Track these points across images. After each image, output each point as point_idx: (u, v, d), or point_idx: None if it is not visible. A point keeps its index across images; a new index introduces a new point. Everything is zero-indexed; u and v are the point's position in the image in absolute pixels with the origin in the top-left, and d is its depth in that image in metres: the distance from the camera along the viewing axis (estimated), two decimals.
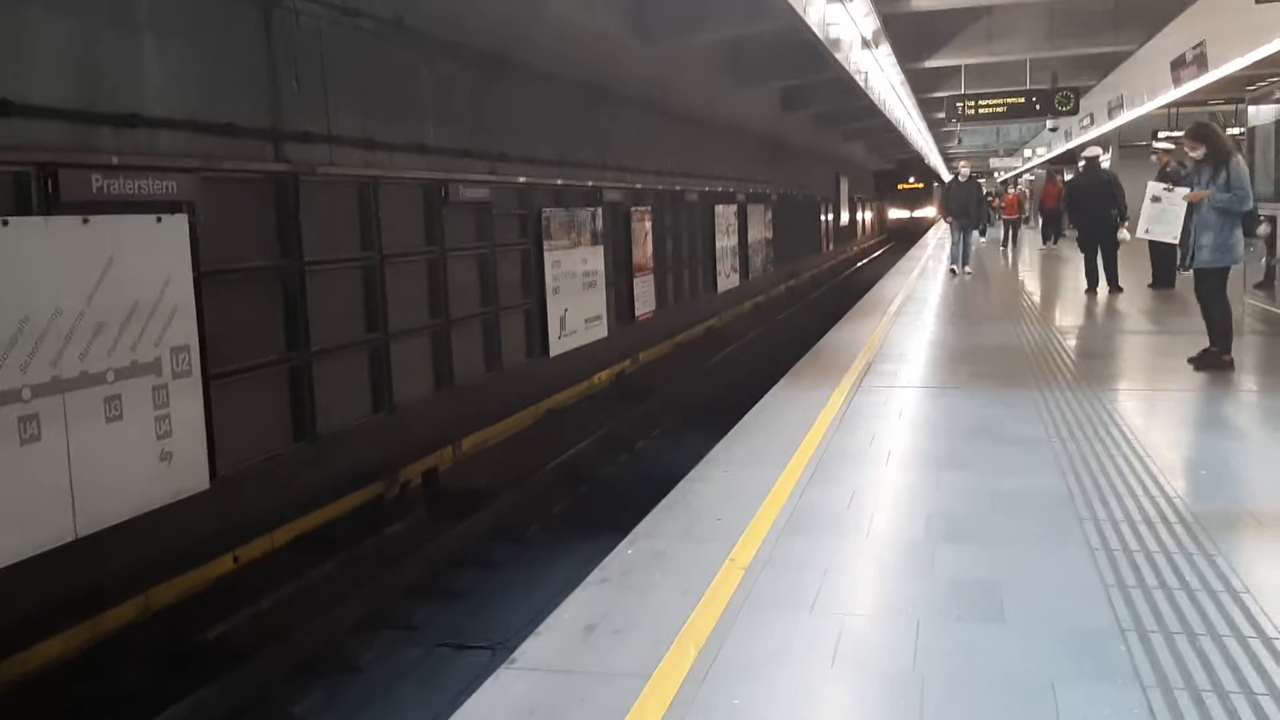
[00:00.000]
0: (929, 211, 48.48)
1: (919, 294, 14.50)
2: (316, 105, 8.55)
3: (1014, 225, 25.76)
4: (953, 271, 16.88)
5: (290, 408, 8.14)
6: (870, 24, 11.57)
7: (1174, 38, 14.21)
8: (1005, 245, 24.90)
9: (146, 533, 6.43)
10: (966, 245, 16.59)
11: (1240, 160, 7.37)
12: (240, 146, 7.65)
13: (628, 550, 4.20)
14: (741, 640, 3.32)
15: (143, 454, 6.53)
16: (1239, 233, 7.28)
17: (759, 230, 24.56)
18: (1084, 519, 4.39)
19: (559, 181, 13.21)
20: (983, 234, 29.05)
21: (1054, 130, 27.86)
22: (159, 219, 6.69)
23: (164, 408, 6.71)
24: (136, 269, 6.53)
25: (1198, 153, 7.51)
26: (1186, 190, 7.93)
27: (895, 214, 54.68)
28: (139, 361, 6.53)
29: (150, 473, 6.58)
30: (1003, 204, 27.54)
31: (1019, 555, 3.98)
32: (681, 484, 5.14)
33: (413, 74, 10.08)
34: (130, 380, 6.46)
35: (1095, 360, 8.69)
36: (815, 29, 9.91)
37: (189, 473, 6.87)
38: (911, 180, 53.20)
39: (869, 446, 5.80)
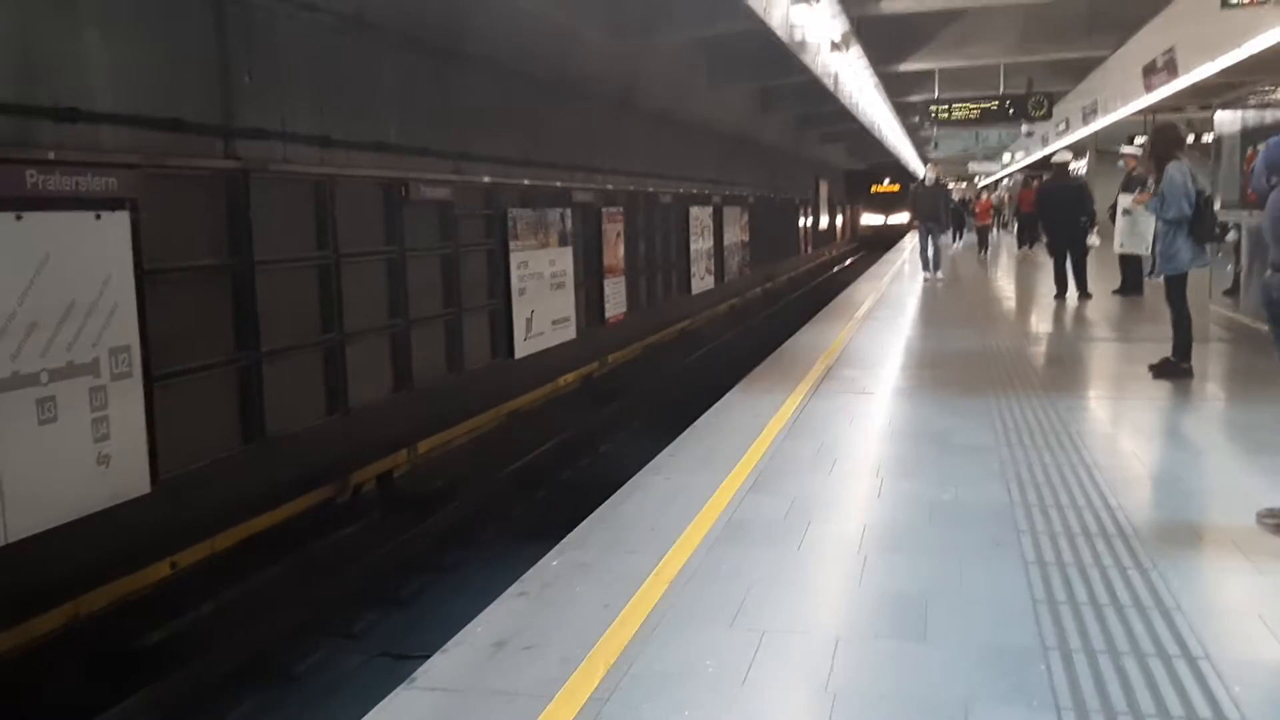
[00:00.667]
0: (906, 217, 41.47)
1: (889, 298, 14.45)
2: (270, 101, 8.41)
3: (986, 231, 25.36)
4: (925, 277, 16.79)
5: (239, 409, 8.00)
6: (839, 26, 11.49)
7: (1145, 43, 14.21)
8: (982, 251, 24.71)
9: (81, 538, 6.28)
10: (936, 250, 16.51)
11: (1176, 167, 7.24)
12: (188, 142, 7.50)
13: (552, 562, 4.09)
14: (655, 656, 3.22)
15: (78, 457, 6.38)
16: (1180, 241, 7.21)
17: (735, 232, 24.48)
18: (1022, 531, 4.31)
19: (526, 181, 13.09)
20: (959, 238, 28.96)
21: (1030, 135, 27.90)
22: (98, 216, 6.54)
23: (102, 409, 6.56)
24: (74, 267, 6.37)
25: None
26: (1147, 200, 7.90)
27: (868, 219, 47.05)
28: (75, 362, 6.38)
29: (87, 476, 6.43)
30: (975, 209, 27.15)
31: (950, 569, 3.89)
32: (619, 492, 5.04)
33: (373, 70, 9.94)
34: (66, 381, 6.30)
35: (1055, 367, 8.64)
36: (778, 30, 9.82)
37: (128, 476, 6.72)
38: (887, 182, 45.45)
39: (816, 454, 5.71)
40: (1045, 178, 17.70)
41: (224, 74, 7.92)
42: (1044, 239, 21.16)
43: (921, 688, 2.99)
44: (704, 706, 2.92)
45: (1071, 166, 15.11)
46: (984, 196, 30.25)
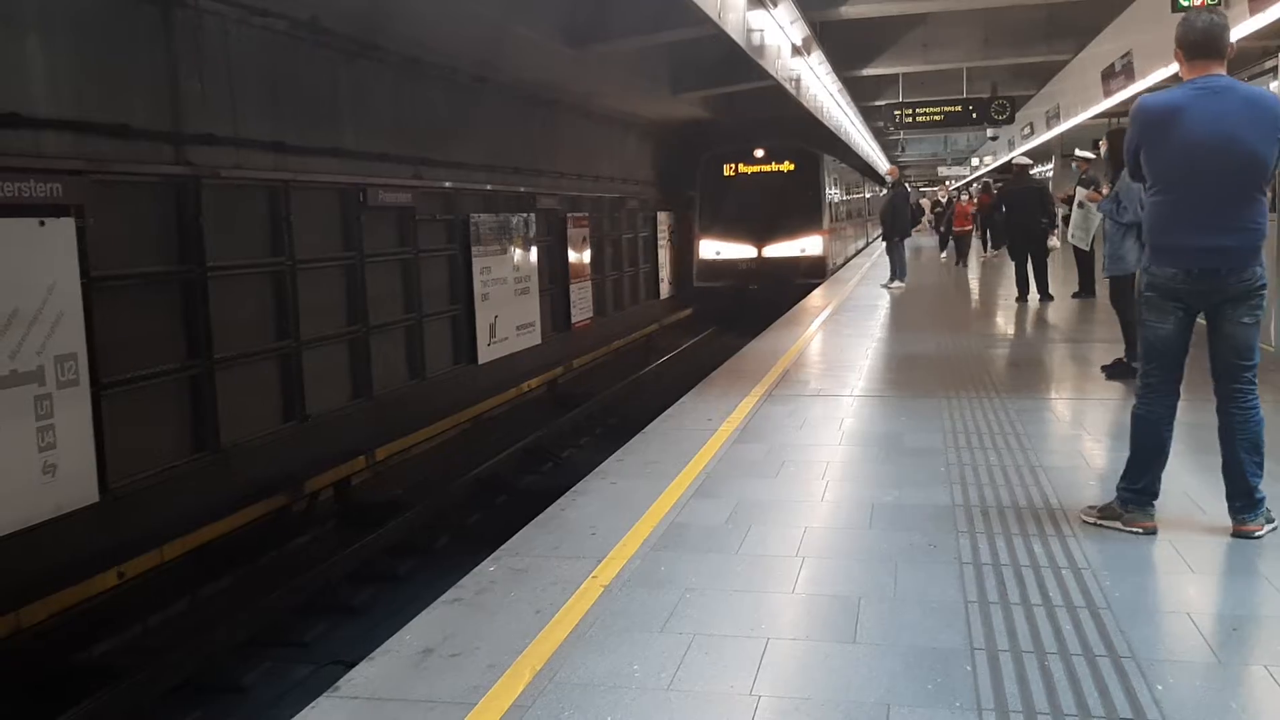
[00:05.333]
0: (817, 243, 20.23)
1: (852, 303, 14.49)
2: (222, 107, 8.36)
3: (965, 239, 21.51)
4: (883, 284, 16.45)
5: (191, 418, 7.94)
6: (799, 31, 11.53)
7: (1104, 48, 14.34)
8: (962, 259, 21.24)
9: (26, 547, 6.20)
10: (898, 257, 16.28)
11: None
12: (135, 149, 7.45)
13: (489, 568, 4.06)
14: (582, 662, 3.20)
15: (22, 466, 6.32)
16: (1129, 243, 7.30)
17: None
18: (961, 532, 4.32)
19: (488, 187, 13.07)
20: (943, 246, 25.38)
21: (994, 139, 28.13)
22: (42, 223, 6.48)
23: (47, 418, 6.50)
24: (16, 274, 6.32)
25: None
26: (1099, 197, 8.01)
27: (713, 248, 20.46)
28: (19, 370, 6.32)
29: (31, 486, 6.36)
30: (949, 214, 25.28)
31: (886, 571, 3.89)
32: (564, 497, 5.02)
33: (329, 75, 9.90)
34: (8, 390, 6.24)
35: (1011, 369, 8.68)
36: (736, 36, 9.85)
37: (75, 485, 6.66)
38: (760, 155, 20.60)
39: (764, 457, 5.70)
40: (1004, 180, 17.68)
41: (173, 80, 7.87)
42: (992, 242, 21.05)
43: (846, 689, 2.99)
44: (628, 711, 2.90)
45: (1034, 170, 15.19)
46: (962, 198, 24.04)
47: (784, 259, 19.73)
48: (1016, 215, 13.64)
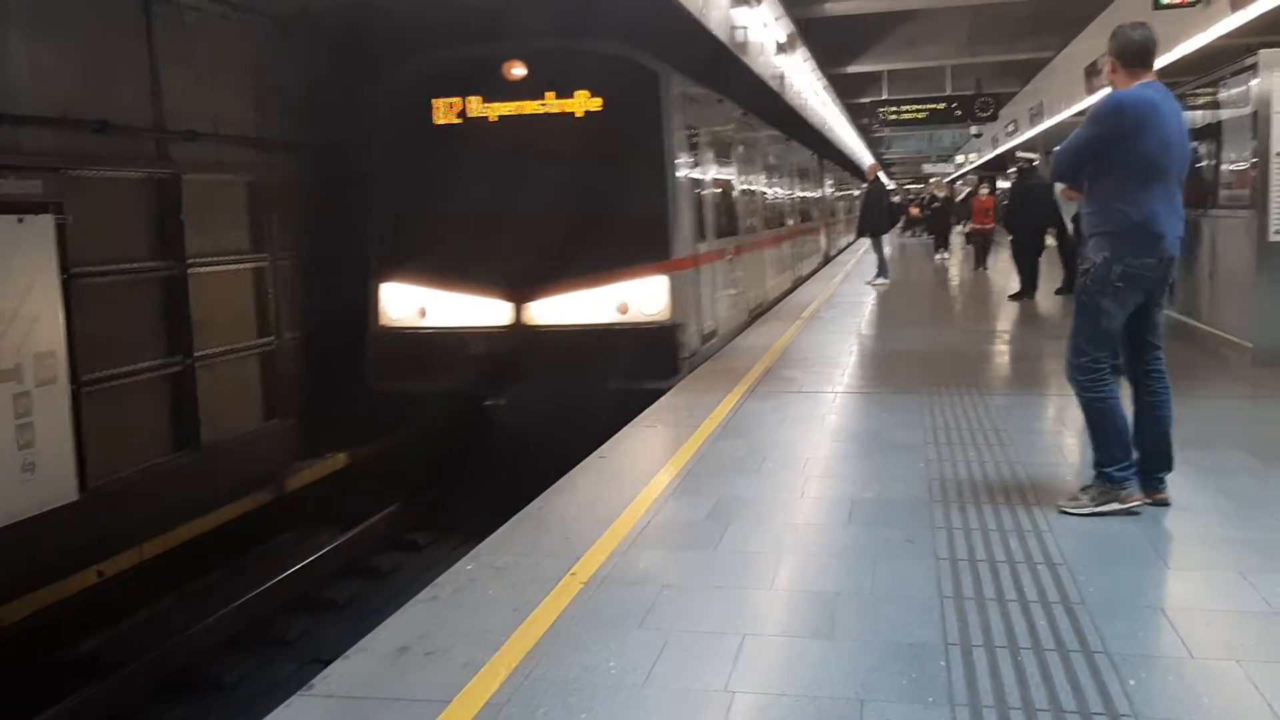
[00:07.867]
0: (651, 293, 8.21)
1: (837, 300, 14.52)
2: (204, 103, 8.32)
3: (987, 240, 18.72)
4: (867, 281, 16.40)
5: (171, 416, 7.91)
6: (783, 28, 11.54)
7: (1087, 45, 14.41)
8: (981, 263, 18.61)
9: (3, 545, 6.17)
10: (880, 254, 16.27)
11: None
12: (117, 145, 7.41)
13: (467, 565, 4.06)
14: (558, 659, 3.20)
15: (1, 464, 6.28)
16: None
17: None
18: (938, 528, 4.34)
19: None
20: (942, 247, 22.20)
21: (978, 136, 28.21)
22: (20, 219, 6.45)
23: (26, 416, 6.47)
24: None
25: None
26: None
27: (419, 304, 8.41)
28: None
29: (10, 484, 6.33)
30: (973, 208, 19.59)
31: (863, 567, 3.91)
32: (542, 496, 5.03)
33: (314, 72, 9.83)
34: None
35: (993, 365, 8.73)
36: (719, 32, 9.85)
37: (54, 484, 6.63)
38: (521, 75, 8.36)
39: (746, 454, 5.71)
40: (1015, 176, 17.42)
41: (154, 76, 7.82)
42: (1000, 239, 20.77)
43: (821, 684, 3.00)
44: (604, 707, 2.91)
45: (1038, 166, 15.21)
46: (982, 193, 19.38)
47: (579, 331, 8.41)
48: (1027, 212, 13.62)
